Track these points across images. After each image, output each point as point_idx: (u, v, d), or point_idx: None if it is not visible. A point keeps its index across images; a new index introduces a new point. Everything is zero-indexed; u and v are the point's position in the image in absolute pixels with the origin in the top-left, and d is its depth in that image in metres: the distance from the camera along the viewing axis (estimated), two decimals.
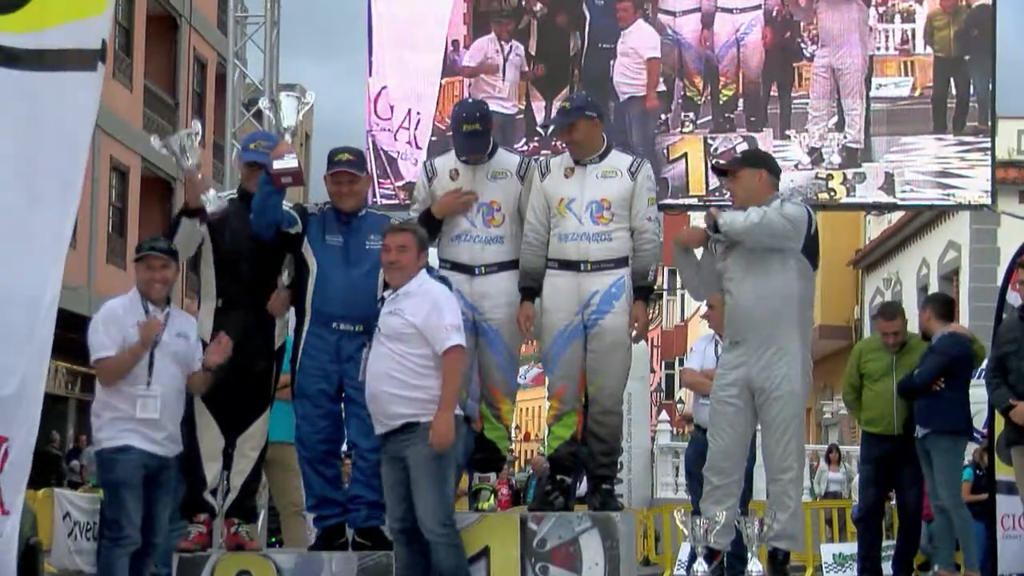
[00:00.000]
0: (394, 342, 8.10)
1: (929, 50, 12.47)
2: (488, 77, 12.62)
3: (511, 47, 12.63)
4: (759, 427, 8.91)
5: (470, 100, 11.04)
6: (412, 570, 8.25)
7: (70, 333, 8.63)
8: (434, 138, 12.63)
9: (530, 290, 8.82)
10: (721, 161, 9.26)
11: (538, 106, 12.71)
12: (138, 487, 8.16)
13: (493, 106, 11.67)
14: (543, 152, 11.48)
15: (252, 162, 8.82)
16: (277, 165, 8.47)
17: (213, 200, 8.56)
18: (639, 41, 12.61)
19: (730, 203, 9.37)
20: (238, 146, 12.98)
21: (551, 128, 8.99)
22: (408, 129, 12.77)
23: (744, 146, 12.27)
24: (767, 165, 9.06)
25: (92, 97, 7.15)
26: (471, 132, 8.90)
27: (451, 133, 9.34)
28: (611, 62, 12.59)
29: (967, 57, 12.43)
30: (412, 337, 8.08)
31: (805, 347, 8.79)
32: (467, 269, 8.84)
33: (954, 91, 12.43)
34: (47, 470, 25.31)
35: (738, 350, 8.80)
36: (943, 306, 11.49)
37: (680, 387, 55.66)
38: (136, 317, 8.22)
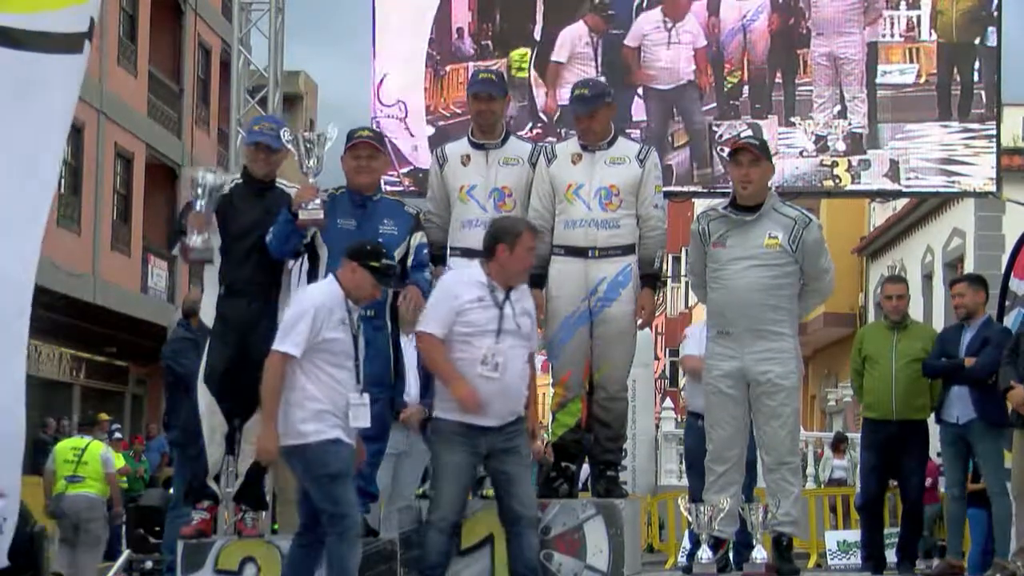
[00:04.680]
0: (525, 341, 8.28)
1: (934, 35, 12.46)
2: (580, 65, 12.59)
3: (599, 40, 12.62)
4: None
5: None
6: (445, 559, 8.29)
7: (74, 320, 8.63)
8: (441, 123, 12.61)
9: (536, 277, 8.82)
10: (756, 142, 9.17)
11: (539, 92, 12.70)
12: (350, 477, 8.07)
13: None
14: (548, 139, 11.48)
15: (256, 143, 8.81)
16: (303, 216, 8.47)
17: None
18: (696, 32, 12.61)
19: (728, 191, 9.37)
20: (243, 132, 12.94)
21: (572, 112, 8.97)
22: (405, 117, 12.76)
23: (749, 132, 12.25)
24: (772, 160, 9.20)
25: (77, 77, 7.18)
26: (486, 79, 9.24)
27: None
28: (639, 49, 12.56)
29: (972, 42, 12.41)
30: (532, 336, 8.41)
31: (796, 337, 8.88)
32: (478, 254, 8.84)
33: (957, 77, 12.41)
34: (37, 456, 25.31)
35: (729, 340, 8.83)
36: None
37: (685, 374, 55.65)
38: (338, 318, 8.04)
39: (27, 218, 7.13)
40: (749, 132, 12.14)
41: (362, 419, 8.06)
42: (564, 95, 12.06)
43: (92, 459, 16.03)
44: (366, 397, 8.08)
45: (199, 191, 8.47)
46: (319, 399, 7.94)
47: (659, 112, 12.49)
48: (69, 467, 16.26)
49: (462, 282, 8.28)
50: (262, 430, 7.98)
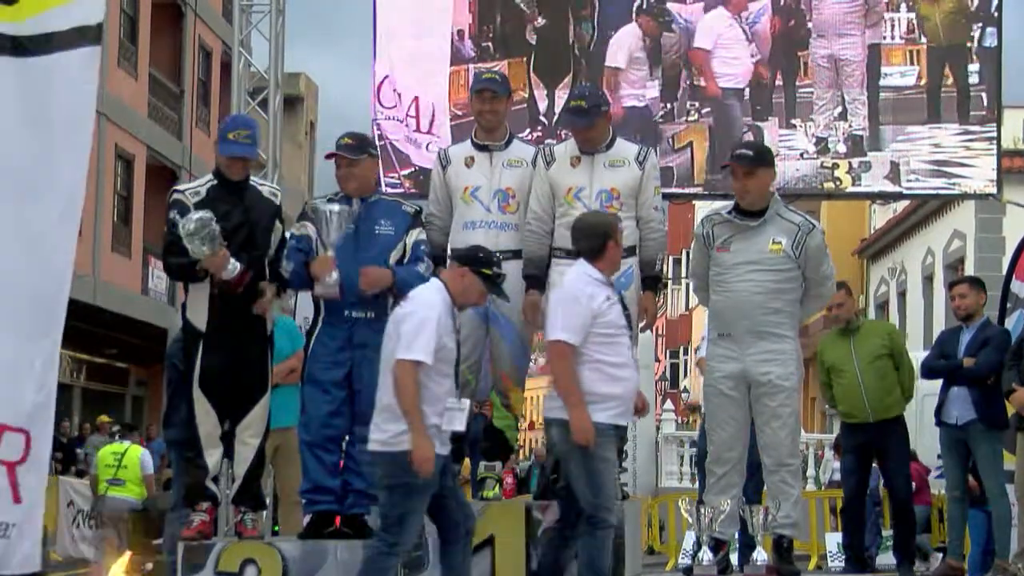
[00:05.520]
0: None
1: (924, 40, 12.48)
2: (636, 69, 12.60)
3: (652, 43, 12.63)
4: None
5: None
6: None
7: (75, 321, 8.54)
8: (454, 123, 12.61)
9: (535, 278, 8.82)
10: (749, 153, 9.09)
11: (540, 94, 12.70)
12: (432, 492, 7.87)
13: (631, 101, 11.95)
14: (547, 141, 11.47)
15: (234, 156, 8.67)
16: (319, 290, 8.48)
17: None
18: (733, 36, 12.63)
19: (730, 196, 9.37)
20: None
21: (566, 122, 8.93)
22: (413, 117, 12.75)
23: (749, 136, 12.26)
24: (773, 163, 9.17)
25: (92, 72, 7.16)
26: (489, 78, 9.23)
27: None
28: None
29: (963, 43, 12.40)
30: None
31: (797, 340, 8.89)
32: None
33: (952, 80, 12.40)
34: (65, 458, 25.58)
35: (729, 342, 8.84)
36: None
37: (686, 376, 55.66)
38: (449, 326, 7.88)
39: (53, 227, 7.13)
40: (750, 137, 12.15)
41: (457, 423, 7.88)
42: (625, 102, 12.24)
43: (131, 463, 17.21)
44: (465, 402, 7.96)
45: (198, 243, 8.33)
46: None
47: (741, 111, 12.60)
48: (110, 471, 17.56)
49: (590, 282, 8.08)
50: (415, 442, 7.67)
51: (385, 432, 7.79)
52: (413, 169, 12.67)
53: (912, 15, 12.48)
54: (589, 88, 9.82)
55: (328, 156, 8.72)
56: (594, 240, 8.15)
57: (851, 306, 11.07)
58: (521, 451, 41.20)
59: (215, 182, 8.65)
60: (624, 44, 12.61)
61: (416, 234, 8.68)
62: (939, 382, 11.18)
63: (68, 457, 26.25)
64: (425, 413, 7.69)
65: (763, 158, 9.02)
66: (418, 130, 12.73)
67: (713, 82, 12.62)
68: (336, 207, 8.43)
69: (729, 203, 9.16)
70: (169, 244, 8.55)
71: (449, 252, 9.04)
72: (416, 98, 12.74)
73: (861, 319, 11.28)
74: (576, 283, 8.10)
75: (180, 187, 8.78)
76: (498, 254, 8.79)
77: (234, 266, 8.36)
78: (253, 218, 8.59)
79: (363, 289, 8.37)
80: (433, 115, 12.72)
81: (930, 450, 15.41)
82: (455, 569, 7.94)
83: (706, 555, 8.57)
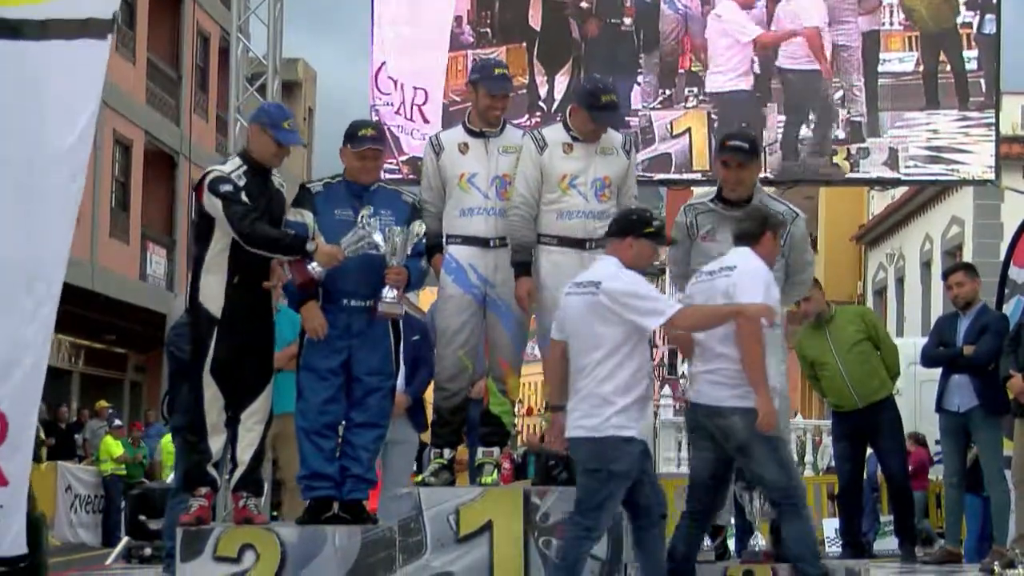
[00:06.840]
0: None
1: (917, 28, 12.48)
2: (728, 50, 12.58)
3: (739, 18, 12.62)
4: None
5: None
6: None
7: (73, 307, 8.54)
8: (453, 109, 12.58)
9: (524, 265, 8.79)
10: (745, 145, 9.02)
11: (540, 80, 12.68)
12: (632, 478, 7.88)
13: (721, 85, 11.92)
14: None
15: (291, 143, 8.69)
16: (382, 309, 8.48)
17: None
18: (810, 12, 12.59)
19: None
20: (242, 120, 12.88)
21: (600, 119, 8.80)
22: (414, 104, 12.73)
23: (743, 125, 12.23)
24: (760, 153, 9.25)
25: (98, 67, 7.11)
26: (502, 75, 9.02)
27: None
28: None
29: (953, 27, 12.39)
30: None
31: (781, 327, 8.90)
32: (481, 242, 8.83)
33: (949, 67, 12.39)
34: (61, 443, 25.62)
35: None
36: None
37: (684, 362, 55.60)
38: None
39: (52, 208, 7.12)
40: (743, 125, 12.12)
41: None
42: (736, 84, 12.24)
43: None
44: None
45: (375, 232, 8.43)
46: (625, 392, 7.85)
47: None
48: (172, 457, 18.01)
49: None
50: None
51: (594, 418, 7.82)
52: (410, 155, 12.66)
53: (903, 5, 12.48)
54: (609, 81, 9.67)
55: (362, 150, 8.67)
56: (754, 228, 8.35)
57: (820, 298, 11.03)
58: (519, 436, 41.20)
59: (245, 167, 8.63)
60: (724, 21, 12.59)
61: (416, 226, 8.69)
62: (937, 368, 11.17)
63: (67, 442, 26.26)
64: (623, 392, 7.81)
65: (756, 150, 9.07)
66: (410, 118, 12.71)
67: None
68: (379, 239, 8.47)
69: (710, 191, 9.14)
70: (248, 211, 8.44)
71: (445, 237, 9.02)
72: (412, 86, 12.72)
73: (833, 309, 11.26)
74: (766, 269, 8.22)
75: (221, 168, 8.70)
76: (496, 240, 8.80)
77: (324, 271, 8.38)
78: (274, 208, 8.62)
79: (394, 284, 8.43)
80: (426, 102, 12.69)
81: (930, 437, 15.43)
82: (653, 554, 7.99)
83: (705, 542, 8.59)
